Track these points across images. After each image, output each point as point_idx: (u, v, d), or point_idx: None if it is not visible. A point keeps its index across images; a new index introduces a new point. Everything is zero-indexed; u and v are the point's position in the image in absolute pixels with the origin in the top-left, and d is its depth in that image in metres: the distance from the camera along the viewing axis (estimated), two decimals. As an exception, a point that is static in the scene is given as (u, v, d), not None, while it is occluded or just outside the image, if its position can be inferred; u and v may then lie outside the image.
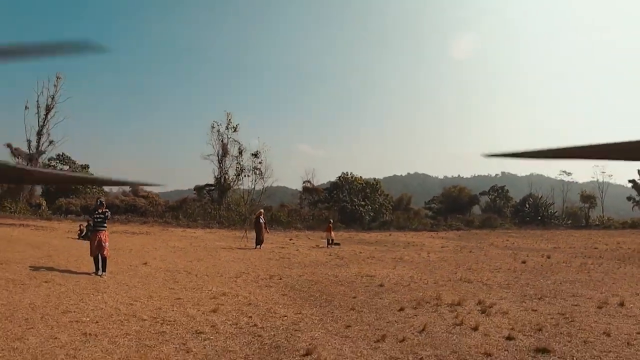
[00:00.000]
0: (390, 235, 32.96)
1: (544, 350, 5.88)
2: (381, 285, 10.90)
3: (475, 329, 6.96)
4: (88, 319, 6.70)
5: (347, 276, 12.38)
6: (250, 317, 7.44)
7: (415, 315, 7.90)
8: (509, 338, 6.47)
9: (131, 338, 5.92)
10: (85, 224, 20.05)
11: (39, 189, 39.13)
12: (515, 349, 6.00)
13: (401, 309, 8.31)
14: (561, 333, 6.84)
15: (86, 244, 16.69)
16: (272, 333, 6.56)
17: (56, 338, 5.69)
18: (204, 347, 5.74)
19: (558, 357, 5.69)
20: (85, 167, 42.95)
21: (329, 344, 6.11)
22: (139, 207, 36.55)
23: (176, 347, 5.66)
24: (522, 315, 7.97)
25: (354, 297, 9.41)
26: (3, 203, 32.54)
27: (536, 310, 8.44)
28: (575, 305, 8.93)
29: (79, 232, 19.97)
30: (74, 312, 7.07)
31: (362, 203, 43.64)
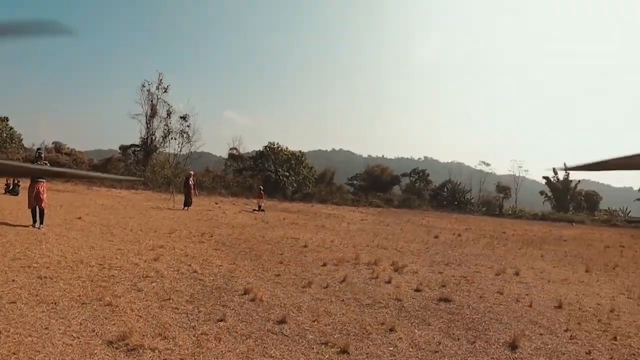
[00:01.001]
0: (312, 206, 34.76)
1: (446, 300, 7.27)
2: (305, 246, 12.16)
3: (389, 282, 8.31)
4: (38, 265, 7.21)
5: (273, 237, 13.57)
6: (190, 265, 8.38)
7: (337, 270, 9.17)
8: (417, 290, 7.86)
9: (84, 280, 6.56)
10: (11, 178, 19.58)
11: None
12: (422, 298, 7.34)
13: (324, 265, 9.59)
14: (461, 289, 8.32)
15: (15, 198, 16.61)
16: (212, 278, 7.53)
17: (14, 280, 6.18)
18: (153, 288, 6.56)
19: (457, 306, 7.06)
20: (4, 120, 40.25)
21: (263, 287, 7.16)
22: (62, 164, 35.36)
23: (128, 288, 6.41)
24: (430, 276, 9.44)
25: (281, 254, 10.59)
26: None
27: (442, 272, 9.97)
28: (477, 271, 10.57)
29: (5, 186, 19.57)
30: (23, 259, 7.52)
31: (287, 174, 44.95)
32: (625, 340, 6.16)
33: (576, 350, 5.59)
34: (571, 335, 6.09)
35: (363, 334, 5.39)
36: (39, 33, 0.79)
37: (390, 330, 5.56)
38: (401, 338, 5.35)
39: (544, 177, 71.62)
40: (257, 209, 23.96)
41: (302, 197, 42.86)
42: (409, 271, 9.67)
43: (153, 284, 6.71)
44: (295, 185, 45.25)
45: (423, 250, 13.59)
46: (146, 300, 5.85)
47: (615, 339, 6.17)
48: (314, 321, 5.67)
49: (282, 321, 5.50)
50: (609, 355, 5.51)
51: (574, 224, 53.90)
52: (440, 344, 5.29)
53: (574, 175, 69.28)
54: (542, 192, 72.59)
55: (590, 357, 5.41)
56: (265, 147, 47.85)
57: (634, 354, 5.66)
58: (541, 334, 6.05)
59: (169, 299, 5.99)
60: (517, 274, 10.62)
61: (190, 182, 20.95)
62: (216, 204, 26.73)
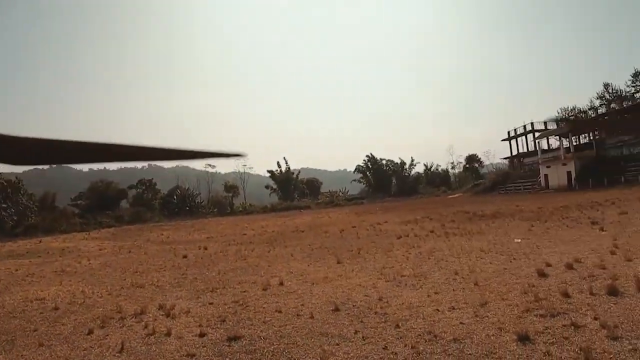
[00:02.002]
0: (40, 242, 31.65)
1: (236, 338, 7.13)
2: (57, 309, 10.50)
3: (169, 334, 7.70)
4: None
5: (16, 304, 11.45)
6: None
7: (107, 335, 8.05)
8: (201, 335, 7.49)
9: None
10: None
11: None
12: (211, 343, 7.06)
13: (90, 332, 8.28)
14: (242, 319, 8.30)
15: None
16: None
17: None
18: None
19: (249, 341, 7.02)
20: None
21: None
22: None
23: None
24: (203, 311, 9.17)
25: (35, 330, 8.86)
26: None
27: (212, 302, 9.83)
28: (244, 291, 10.73)
29: None
30: None
31: (4, 206, 39.02)
32: (407, 324, 7.10)
33: (375, 349, 6.17)
34: (363, 336, 6.71)
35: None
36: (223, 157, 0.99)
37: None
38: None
39: (269, 171, 78.23)
40: None
41: (24, 231, 38.46)
42: (181, 312, 9.19)
43: None
44: (15, 218, 39.60)
45: (181, 278, 13.21)
46: None
47: (398, 326, 7.04)
48: None
49: None
50: (402, 344, 6.25)
51: (301, 210, 59.92)
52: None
53: (294, 166, 77.67)
54: (267, 186, 79.20)
55: (388, 352, 6.05)
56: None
57: (420, 335, 6.55)
58: (338, 344, 6.49)
59: None
60: (281, 283, 11.18)
61: None
62: None
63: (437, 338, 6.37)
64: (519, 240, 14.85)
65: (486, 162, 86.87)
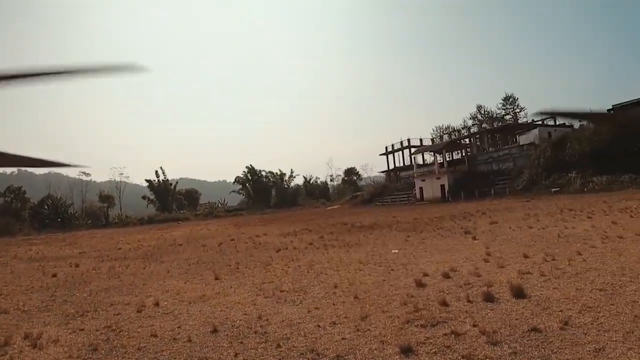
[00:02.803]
0: None
1: (104, 369, 6.56)
2: None
3: None
4: None
5: None
6: None
7: None
8: (69, 366, 6.78)
9: None
10: None
11: None
12: (77, 376, 6.43)
13: None
14: (116, 346, 7.63)
15: None
16: None
17: None
18: None
19: (119, 371, 6.49)
20: None
21: None
22: None
23: None
24: (73, 339, 8.32)
25: None
26: None
27: (83, 329, 8.96)
28: (117, 314, 9.97)
29: None
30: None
31: None
32: (288, 343, 6.96)
33: (255, 372, 6.00)
34: (244, 359, 6.50)
35: None
36: (118, 72, 0.91)
37: None
38: None
39: (147, 181, 75.23)
40: None
41: None
42: (49, 341, 8.20)
43: None
44: None
45: (49, 302, 11.98)
46: None
47: (279, 345, 6.87)
48: None
49: None
50: (282, 364, 6.13)
51: (180, 222, 58.42)
52: None
53: (172, 176, 75.90)
54: (144, 197, 76.23)
55: (270, 375, 5.91)
56: None
57: (302, 354, 6.44)
58: (218, 370, 6.24)
59: None
60: (157, 304, 10.54)
61: None
62: None
63: (320, 356, 6.32)
64: (397, 251, 15.43)
65: (364, 175, 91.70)
